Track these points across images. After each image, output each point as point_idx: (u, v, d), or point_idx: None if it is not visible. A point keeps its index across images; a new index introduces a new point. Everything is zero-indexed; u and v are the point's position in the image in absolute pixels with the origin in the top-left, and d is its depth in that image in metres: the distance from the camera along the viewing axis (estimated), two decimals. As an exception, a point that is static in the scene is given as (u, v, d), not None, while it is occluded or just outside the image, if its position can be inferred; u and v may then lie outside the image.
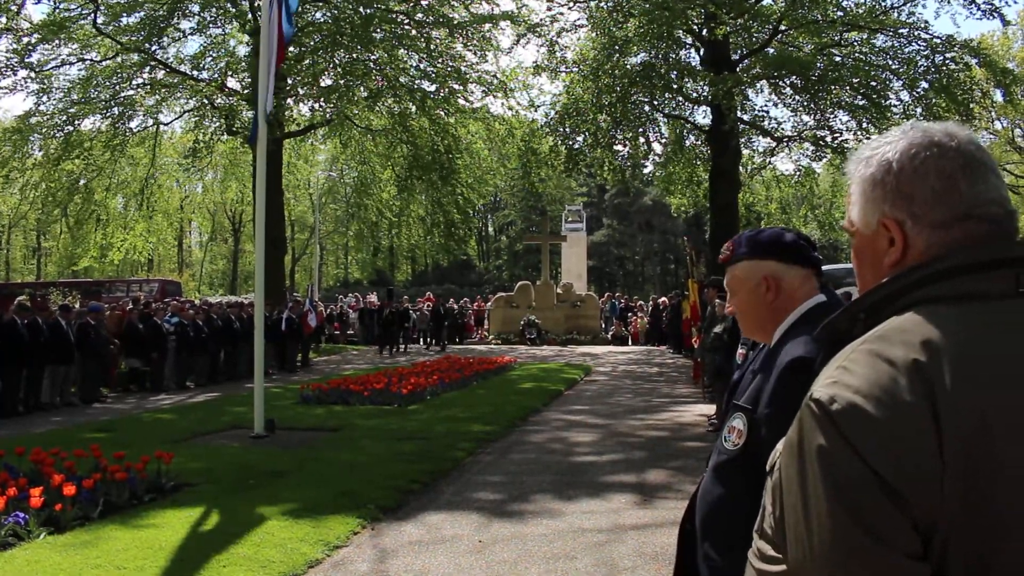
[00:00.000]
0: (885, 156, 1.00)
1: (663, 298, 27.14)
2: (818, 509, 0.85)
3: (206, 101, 22.59)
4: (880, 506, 0.83)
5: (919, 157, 0.98)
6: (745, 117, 20.66)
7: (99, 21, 20.15)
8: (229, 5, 21.46)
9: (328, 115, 22.50)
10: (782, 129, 21.18)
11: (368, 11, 20.11)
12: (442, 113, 22.25)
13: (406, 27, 21.20)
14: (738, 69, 19.29)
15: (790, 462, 0.90)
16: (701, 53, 20.24)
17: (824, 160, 21.71)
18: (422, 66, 21.91)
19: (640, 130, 21.15)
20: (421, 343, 26.01)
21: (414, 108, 21.96)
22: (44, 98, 21.40)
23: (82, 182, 23.96)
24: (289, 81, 19.83)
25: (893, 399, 0.85)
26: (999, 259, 0.93)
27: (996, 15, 17.77)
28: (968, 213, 0.97)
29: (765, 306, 1.74)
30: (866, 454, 0.83)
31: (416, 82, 21.90)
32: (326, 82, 21.44)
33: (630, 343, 26.55)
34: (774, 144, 21.74)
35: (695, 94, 20.47)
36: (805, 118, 20.88)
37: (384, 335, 22.99)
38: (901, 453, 0.83)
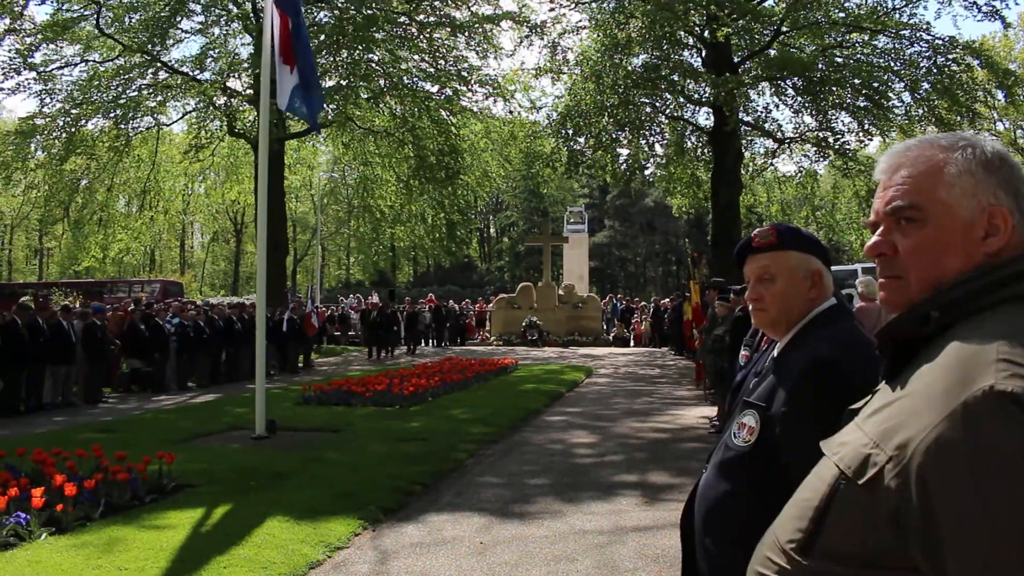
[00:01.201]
0: (996, 147, 1.05)
1: (665, 299, 27.13)
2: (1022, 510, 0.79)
3: (208, 102, 22.58)
4: None
5: (1013, 159, 1.06)
6: (747, 118, 20.66)
7: (101, 22, 20.18)
8: (231, 5, 21.48)
9: (330, 116, 22.51)
10: (783, 131, 21.20)
11: (370, 11, 20.12)
12: (444, 114, 22.24)
13: (408, 28, 21.21)
14: (740, 70, 19.29)
15: (950, 466, 0.83)
16: (703, 55, 20.24)
17: (826, 162, 21.71)
18: (423, 66, 21.93)
19: (642, 132, 21.15)
20: (425, 344, 25.92)
21: (416, 109, 21.96)
22: (47, 99, 21.45)
23: (83, 182, 23.97)
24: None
25: None
26: None
27: (997, 17, 17.80)
28: None
29: (805, 299, 1.74)
30: None
31: (418, 83, 21.90)
32: (328, 83, 21.44)
33: (632, 345, 26.53)
34: (776, 146, 21.74)
35: (697, 95, 20.48)
36: (807, 119, 20.92)
37: (372, 338, 22.44)
38: None
